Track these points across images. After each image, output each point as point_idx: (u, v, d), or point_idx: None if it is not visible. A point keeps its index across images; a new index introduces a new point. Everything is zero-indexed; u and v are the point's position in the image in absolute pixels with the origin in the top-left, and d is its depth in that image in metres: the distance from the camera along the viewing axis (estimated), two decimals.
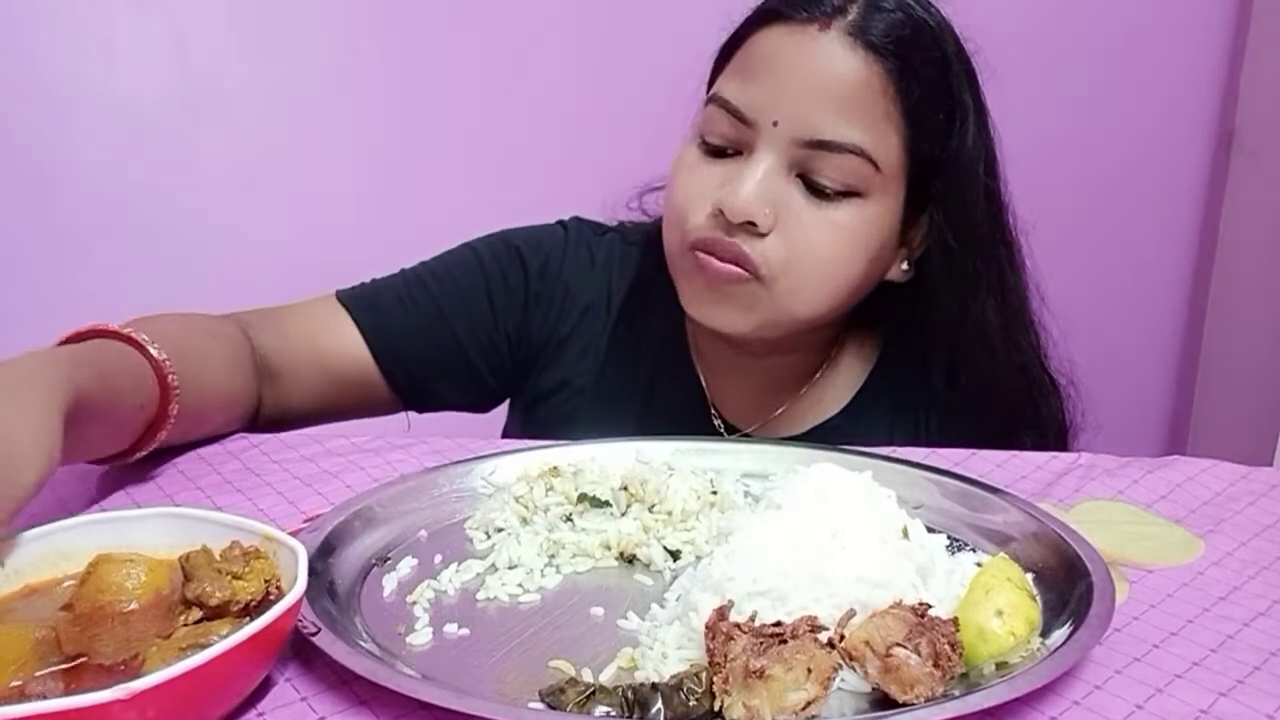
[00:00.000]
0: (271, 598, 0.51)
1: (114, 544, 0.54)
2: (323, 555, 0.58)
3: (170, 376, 0.71)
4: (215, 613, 0.50)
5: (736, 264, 0.81)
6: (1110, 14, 1.58)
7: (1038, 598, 0.54)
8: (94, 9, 1.40)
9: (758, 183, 0.80)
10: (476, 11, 1.50)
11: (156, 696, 0.41)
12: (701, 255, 0.82)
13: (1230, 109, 1.63)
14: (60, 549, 0.54)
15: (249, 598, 0.50)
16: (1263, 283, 1.62)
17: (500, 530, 0.65)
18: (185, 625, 0.50)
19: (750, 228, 0.80)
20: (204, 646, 0.44)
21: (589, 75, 1.53)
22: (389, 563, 0.61)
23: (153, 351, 0.70)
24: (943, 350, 0.90)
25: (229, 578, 0.51)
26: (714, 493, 0.67)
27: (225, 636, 0.44)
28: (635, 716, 0.46)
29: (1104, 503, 0.71)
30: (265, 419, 0.88)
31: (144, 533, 0.55)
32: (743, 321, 0.84)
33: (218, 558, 0.52)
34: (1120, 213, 1.65)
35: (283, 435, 0.81)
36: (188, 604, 0.51)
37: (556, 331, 0.96)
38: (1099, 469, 0.76)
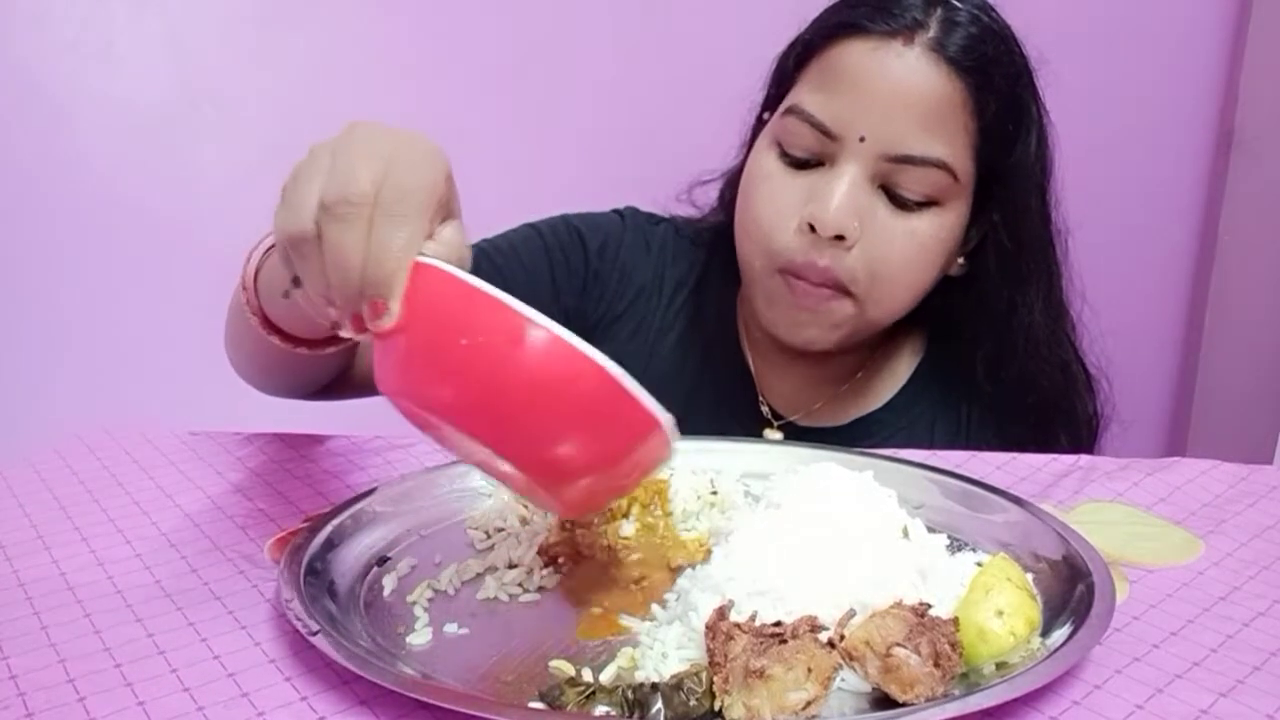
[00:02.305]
0: None
1: None
2: (323, 555, 0.57)
3: None
4: None
5: (826, 283, 0.82)
6: (1110, 14, 1.58)
7: (1038, 598, 0.54)
8: (93, 10, 1.40)
9: (845, 195, 0.80)
10: (481, 7, 1.49)
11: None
12: (792, 279, 0.83)
13: (1230, 109, 1.63)
14: None
15: None
16: (1263, 283, 1.62)
17: (500, 530, 0.65)
18: None
19: (839, 241, 0.81)
20: None
21: (589, 81, 1.53)
22: (389, 563, 0.61)
23: None
24: (989, 344, 0.91)
25: None
26: (714, 493, 0.67)
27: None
28: (635, 716, 0.46)
29: (1104, 504, 0.71)
30: (353, 383, 0.88)
31: None
32: (828, 339, 0.86)
33: None
34: (1119, 212, 1.64)
35: (283, 435, 0.81)
36: None
37: (611, 310, 0.98)
38: (1099, 471, 0.76)
